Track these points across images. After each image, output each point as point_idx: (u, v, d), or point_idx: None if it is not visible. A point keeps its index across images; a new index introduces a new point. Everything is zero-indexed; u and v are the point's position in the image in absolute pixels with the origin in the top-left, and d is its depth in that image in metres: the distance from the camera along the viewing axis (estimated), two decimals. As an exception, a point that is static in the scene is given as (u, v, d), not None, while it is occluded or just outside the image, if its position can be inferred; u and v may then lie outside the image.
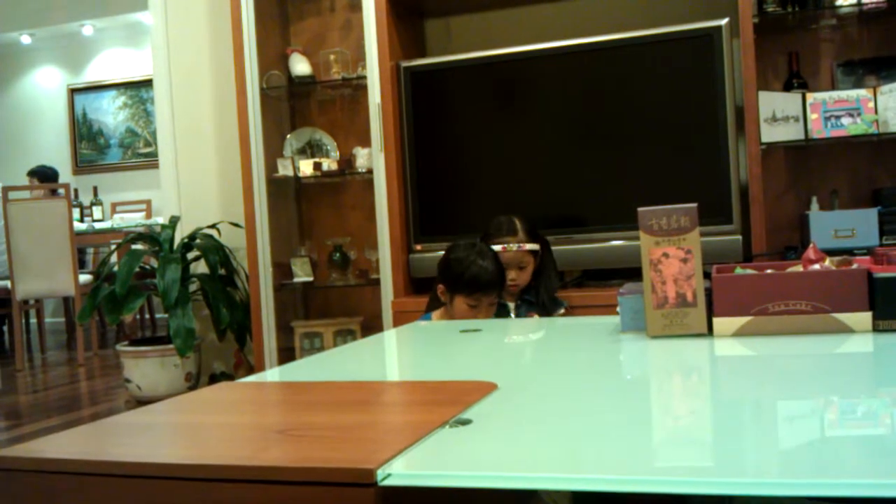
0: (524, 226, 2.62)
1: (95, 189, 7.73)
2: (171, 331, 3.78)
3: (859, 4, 3.12)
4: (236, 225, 4.01)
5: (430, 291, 2.77)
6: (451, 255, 2.58)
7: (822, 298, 1.44)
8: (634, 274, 1.69)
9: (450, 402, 1.07)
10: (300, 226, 4.02)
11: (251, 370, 3.90)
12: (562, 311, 2.72)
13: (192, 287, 4.02)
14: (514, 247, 2.55)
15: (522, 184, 3.41)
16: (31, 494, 0.94)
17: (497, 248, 2.57)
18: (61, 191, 5.59)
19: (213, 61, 4.20)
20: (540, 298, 2.67)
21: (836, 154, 3.32)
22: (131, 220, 7.10)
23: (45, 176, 7.08)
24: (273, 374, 1.70)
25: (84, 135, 8.52)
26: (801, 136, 3.14)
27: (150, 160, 8.02)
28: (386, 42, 3.46)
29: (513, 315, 2.68)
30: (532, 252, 2.60)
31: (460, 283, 2.50)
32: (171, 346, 3.84)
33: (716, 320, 1.50)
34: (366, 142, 3.65)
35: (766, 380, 1.22)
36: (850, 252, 2.71)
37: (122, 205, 8.00)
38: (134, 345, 4.11)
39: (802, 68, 3.31)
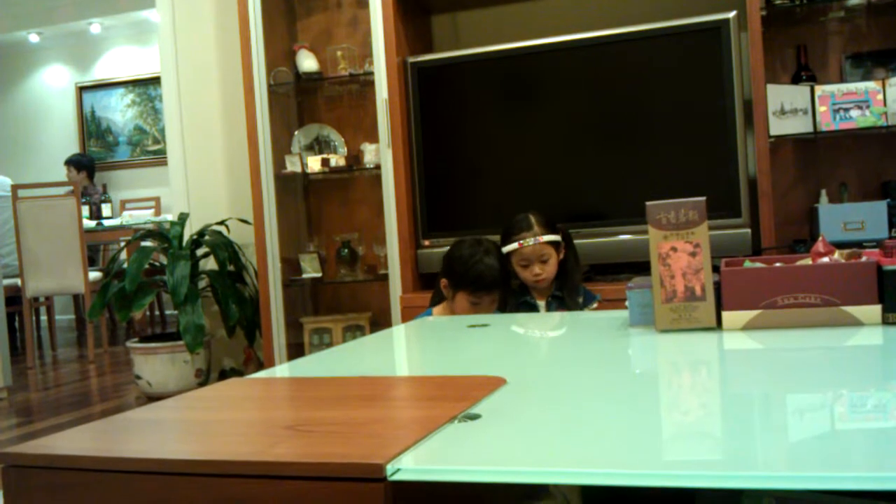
0: (540, 219, 2.61)
1: (104, 186, 7.75)
2: (181, 327, 3.79)
3: (868, -4, 3.10)
4: (245, 221, 4.02)
5: (434, 286, 2.77)
6: (456, 252, 2.58)
7: (832, 291, 1.44)
8: (643, 268, 1.69)
9: (458, 398, 1.07)
10: (308, 222, 4.03)
11: (261, 366, 3.91)
12: (594, 305, 2.69)
13: (202, 283, 4.03)
14: (530, 241, 2.54)
15: (530, 178, 3.41)
16: (43, 491, 0.95)
17: (514, 245, 2.56)
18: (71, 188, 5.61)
19: (220, 58, 4.21)
20: (565, 294, 2.65)
21: (845, 147, 3.31)
22: (140, 217, 7.11)
23: (80, 164, 7.22)
24: (282, 369, 1.70)
25: (92, 132, 8.54)
26: (810, 128, 3.13)
27: (158, 157, 8.04)
28: (393, 38, 3.46)
29: (543, 312, 2.65)
30: (552, 244, 2.58)
31: (464, 281, 2.50)
32: (180, 342, 3.85)
33: (725, 314, 1.49)
34: (373, 137, 3.65)
35: (776, 373, 1.22)
36: (859, 245, 2.71)
37: (131, 202, 8.02)
38: (144, 341, 4.13)
39: (811, 61, 3.30)
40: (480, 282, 2.48)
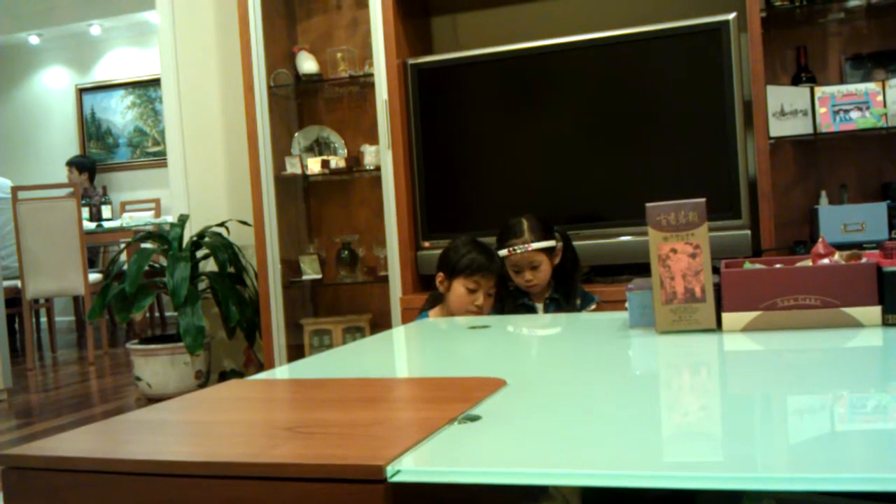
0: (532, 225, 2.61)
1: (104, 188, 7.75)
2: (181, 329, 3.79)
3: (867, -3, 3.10)
4: (245, 223, 4.02)
5: (431, 288, 2.78)
6: (450, 246, 2.63)
7: (832, 293, 1.44)
8: (643, 269, 1.69)
9: (459, 399, 1.07)
10: (308, 223, 4.03)
11: (261, 368, 3.90)
12: (592, 306, 2.69)
13: (202, 285, 4.02)
14: (519, 249, 2.55)
15: (530, 180, 3.41)
16: (43, 493, 0.95)
17: (505, 252, 2.57)
18: (70, 189, 5.61)
19: (220, 60, 4.21)
20: (561, 296, 2.66)
21: (845, 148, 3.31)
22: (140, 218, 7.11)
23: (83, 166, 7.24)
24: (282, 371, 1.70)
25: (92, 134, 8.53)
26: (810, 130, 3.13)
27: (158, 159, 8.04)
28: (393, 39, 3.46)
29: (541, 314, 2.66)
30: (543, 250, 2.59)
31: (458, 266, 2.52)
32: (180, 344, 3.85)
33: (725, 315, 1.49)
34: (373, 139, 3.65)
35: (776, 375, 1.22)
36: (859, 246, 2.71)
37: (131, 204, 8.02)
38: (144, 343, 4.12)
39: (810, 62, 3.30)
40: (474, 264, 2.50)
